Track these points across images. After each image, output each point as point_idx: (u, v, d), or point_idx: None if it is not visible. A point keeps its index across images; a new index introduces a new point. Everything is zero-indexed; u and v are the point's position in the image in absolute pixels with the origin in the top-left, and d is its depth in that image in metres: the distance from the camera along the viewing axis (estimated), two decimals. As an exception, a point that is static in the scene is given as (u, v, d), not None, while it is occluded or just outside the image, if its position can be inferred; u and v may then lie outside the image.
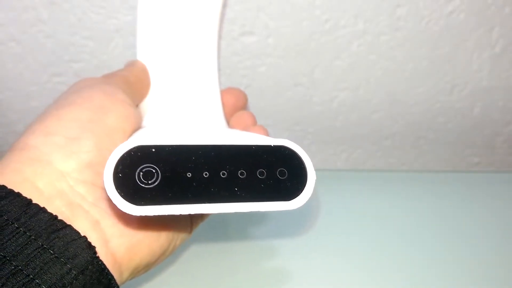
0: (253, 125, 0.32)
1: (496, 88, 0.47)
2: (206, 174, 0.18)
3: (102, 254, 0.20)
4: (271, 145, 0.19)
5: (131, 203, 0.17)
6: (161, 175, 0.18)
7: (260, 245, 0.37)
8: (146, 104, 0.30)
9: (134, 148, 0.18)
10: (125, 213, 0.17)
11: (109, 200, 0.21)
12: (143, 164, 0.17)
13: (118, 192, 0.17)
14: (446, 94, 0.47)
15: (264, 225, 0.39)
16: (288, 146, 0.19)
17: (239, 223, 0.39)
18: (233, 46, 0.42)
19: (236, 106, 0.33)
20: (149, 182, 0.17)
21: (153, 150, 0.18)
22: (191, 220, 0.27)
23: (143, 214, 0.17)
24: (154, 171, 0.18)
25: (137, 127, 0.26)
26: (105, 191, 0.19)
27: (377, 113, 0.48)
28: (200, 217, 0.28)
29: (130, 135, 0.24)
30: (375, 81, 0.46)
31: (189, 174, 0.18)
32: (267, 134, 0.30)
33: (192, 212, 0.18)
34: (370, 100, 0.47)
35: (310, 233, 0.38)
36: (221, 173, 0.18)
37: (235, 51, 0.43)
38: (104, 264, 0.20)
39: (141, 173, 0.17)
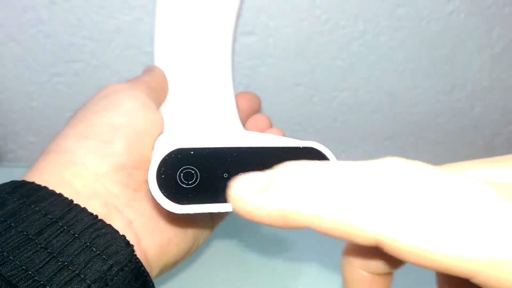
0: (269, 127, 0.33)
1: (496, 88, 0.47)
2: (241, 175, 0.19)
3: (136, 252, 0.21)
4: (300, 147, 0.21)
5: (174, 202, 0.18)
6: (200, 176, 0.19)
7: (271, 240, 0.37)
8: (165, 108, 0.31)
9: (175, 151, 0.19)
10: (166, 212, 0.19)
11: (152, 199, 0.22)
12: (183, 166, 0.19)
13: (162, 192, 0.18)
14: (446, 94, 0.47)
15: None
16: (316, 147, 0.21)
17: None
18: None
19: (251, 109, 0.35)
20: (189, 182, 0.19)
21: (192, 152, 0.19)
22: (212, 220, 0.28)
23: (185, 212, 0.18)
24: (193, 172, 0.19)
25: (161, 131, 0.27)
26: (148, 192, 0.21)
27: (377, 113, 0.48)
28: (220, 217, 0.29)
29: (156, 138, 0.25)
30: (375, 81, 0.46)
31: (225, 175, 0.19)
32: (284, 136, 0.31)
33: (229, 210, 0.19)
34: (370, 100, 0.47)
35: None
36: None
37: (236, 51, 0.43)
38: (141, 261, 0.21)
39: (182, 174, 0.19)
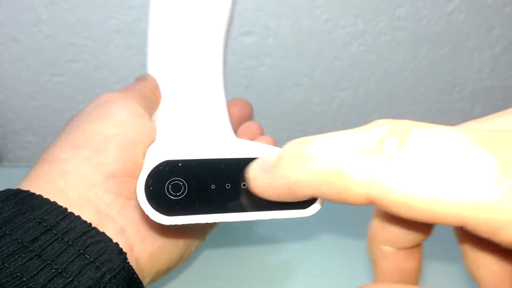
0: (260, 135, 0.33)
1: (496, 88, 0.47)
2: (228, 186, 0.20)
3: (128, 260, 0.21)
4: None
5: (162, 213, 0.19)
6: (188, 187, 0.19)
7: (265, 245, 0.37)
8: (157, 116, 0.31)
9: (163, 163, 0.19)
10: (155, 222, 0.19)
11: (141, 210, 0.22)
12: (171, 178, 0.19)
13: (150, 204, 0.19)
14: (446, 94, 0.47)
15: (269, 224, 0.39)
16: None
17: (244, 225, 0.40)
18: (233, 46, 0.42)
19: (242, 116, 0.35)
20: (177, 194, 0.19)
21: (180, 164, 0.19)
22: (204, 228, 0.28)
23: (173, 224, 0.19)
24: (181, 183, 0.19)
25: (154, 139, 0.27)
26: (137, 203, 0.21)
27: (377, 113, 0.48)
28: (212, 225, 0.29)
29: (148, 147, 0.25)
30: (375, 81, 0.46)
31: (213, 186, 0.19)
32: (275, 144, 0.31)
33: (217, 221, 0.19)
34: (370, 100, 0.47)
35: (314, 232, 0.38)
36: (242, 184, 0.20)
37: (235, 51, 0.43)
38: (133, 269, 0.21)
39: (170, 186, 0.19)
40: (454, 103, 0.48)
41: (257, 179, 0.17)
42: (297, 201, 0.18)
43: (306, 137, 0.16)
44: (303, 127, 0.48)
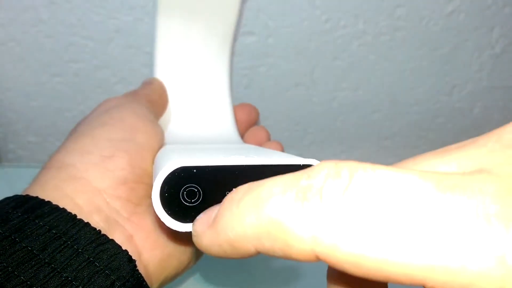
0: (267, 140, 0.33)
1: (496, 88, 0.47)
2: None
3: (137, 267, 0.21)
4: (300, 164, 0.21)
5: (177, 220, 0.19)
6: (203, 194, 0.19)
7: None
8: (165, 121, 0.31)
9: (178, 169, 0.19)
10: (168, 228, 0.19)
11: (156, 217, 0.22)
12: (186, 184, 0.19)
13: (166, 211, 0.19)
14: (446, 94, 0.47)
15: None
16: (315, 164, 0.21)
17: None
18: (233, 46, 0.42)
19: (249, 121, 0.35)
20: (192, 200, 0.19)
21: (195, 170, 0.19)
22: None
23: (189, 230, 0.19)
24: (196, 190, 0.19)
25: (162, 144, 0.27)
26: (149, 209, 0.22)
27: (377, 113, 0.48)
28: None
29: (157, 152, 0.25)
30: (375, 81, 0.46)
31: (227, 193, 0.20)
32: (283, 149, 0.31)
33: None
34: (370, 100, 0.47)
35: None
36: None
37: (235, 51, 0.43)
38: (142, 276, 0.21)
39: (185, 193, 0.19)
40: (454, 103, 0.48)
41: (200, 236, 0.15)
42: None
43: (249, 183, 0.14)
44: (303, 127, 0.48)
